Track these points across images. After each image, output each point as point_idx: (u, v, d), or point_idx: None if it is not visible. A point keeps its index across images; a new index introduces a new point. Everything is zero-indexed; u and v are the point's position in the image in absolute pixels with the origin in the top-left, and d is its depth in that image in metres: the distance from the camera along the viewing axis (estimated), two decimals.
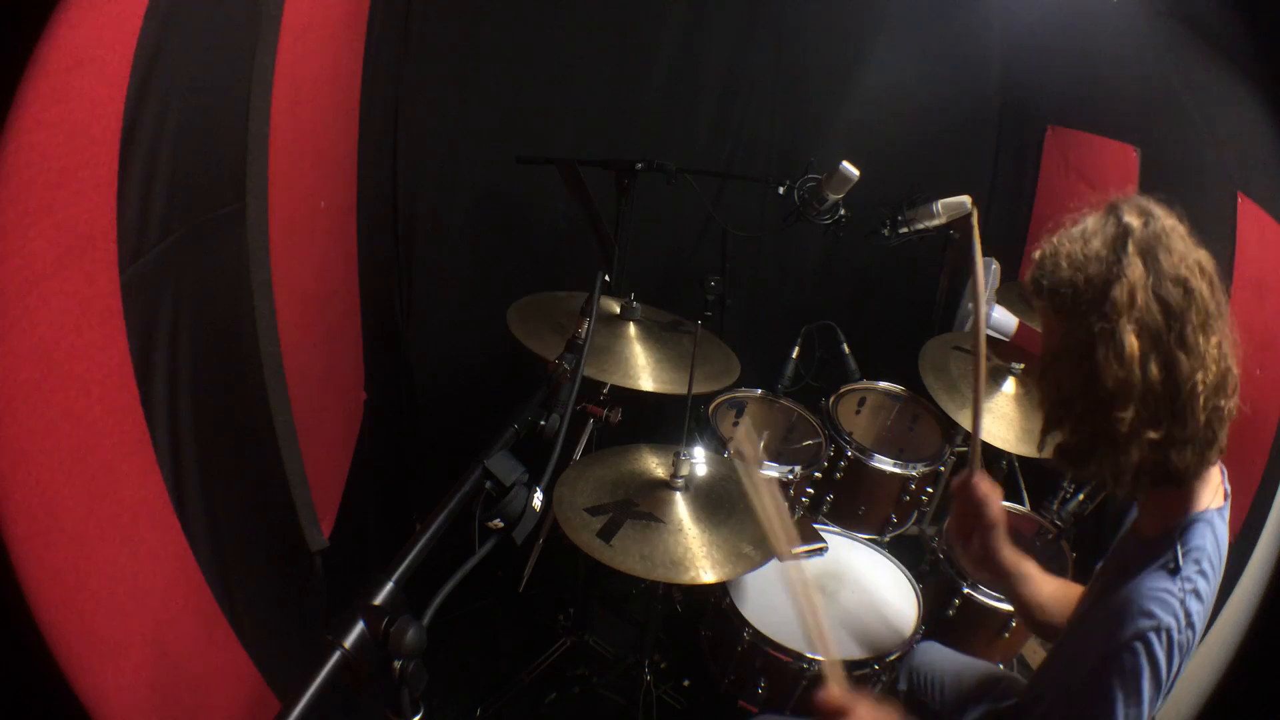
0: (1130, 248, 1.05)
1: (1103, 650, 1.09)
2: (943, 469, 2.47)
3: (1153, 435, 1.05)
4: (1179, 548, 1.11)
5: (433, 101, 2.68)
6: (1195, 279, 1.04)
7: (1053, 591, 1.49)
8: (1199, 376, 1.03)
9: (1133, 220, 1.07)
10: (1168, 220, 1.08)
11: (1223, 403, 1.07)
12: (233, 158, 1.42)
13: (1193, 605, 1.08)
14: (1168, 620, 1.06)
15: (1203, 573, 1.10)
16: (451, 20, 2.62)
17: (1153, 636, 1.05)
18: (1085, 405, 1.07)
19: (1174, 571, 1.09)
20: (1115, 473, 1.09)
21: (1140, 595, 1.09)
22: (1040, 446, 1.20)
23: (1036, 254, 1.14)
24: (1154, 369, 1.03)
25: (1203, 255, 1.07)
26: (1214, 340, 1.05)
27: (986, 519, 1.43)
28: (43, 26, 0.83)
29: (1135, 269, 1.03)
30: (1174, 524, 1.14)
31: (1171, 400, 1.04)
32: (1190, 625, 1.07)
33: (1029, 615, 1.48)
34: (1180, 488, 1.13)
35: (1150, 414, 1.05)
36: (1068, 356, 1.08)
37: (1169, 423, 1.05)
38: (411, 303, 2.86)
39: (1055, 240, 1.13)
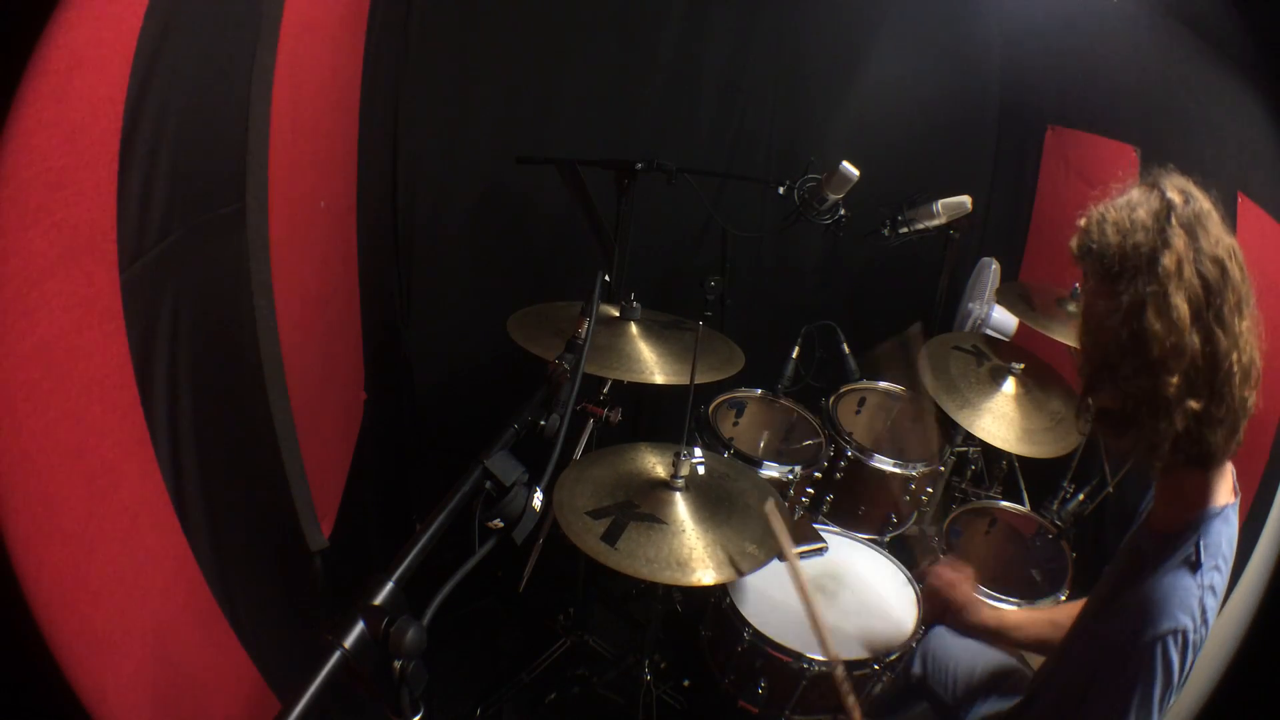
0: (1174, 221, 1.07)
1: (1119, 651, 1.10)
2: (943, 469, 2.46)
3: (1194, 405, 1.06)
4: (1200, 544, 1.11)
5: (433, 101, 2.68)
6: (1230, 261, 1.07)
7: (1048, 623, 1.62)
8: (1234, 356, 1.05)
9: (1175, 196, 1.10)
10: (1205, 203, 1.11)
11: (1247, 393, 1.08)
12: (233, 158, 1.42)
13: (1209, 602, 1.09)
14: (1185, 621, 1.07)
15: (1217, 568, 1.11)
16: (451, 20, 2.62)
17: (1170, 640, 1.06)
18: (1133, 368, 1.08)
19: (1194, 568, 1.10)
20: (1154, 441, 1.09)
21: (1159, 595, 1.09)
22: (1079, 411, 1.21)
23: (1082, 221, 1.16)
24: (1196, 339, 1.05)
25: (1231, 241, 1.10)
26: (1245, 324, 1.07)
27: (954, 603, 1.69)
28: (43, 26, 0.83)
29: (1180, 240, 1.06)
30: (1191, 518, 1.14)
31: (1211, 374, 1.06)
32: (1205, 623, 1.09)
33: (1038, 651, 1.58)
34: (1206, 472, 1.13)
35: (1193, 383, 1.06)
36: (1116, 319, 1.09)
37: (1208, 397, 1.06)
38: (411, 303, 2.86)
39: (1101, 208, 1.15)
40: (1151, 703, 1.07)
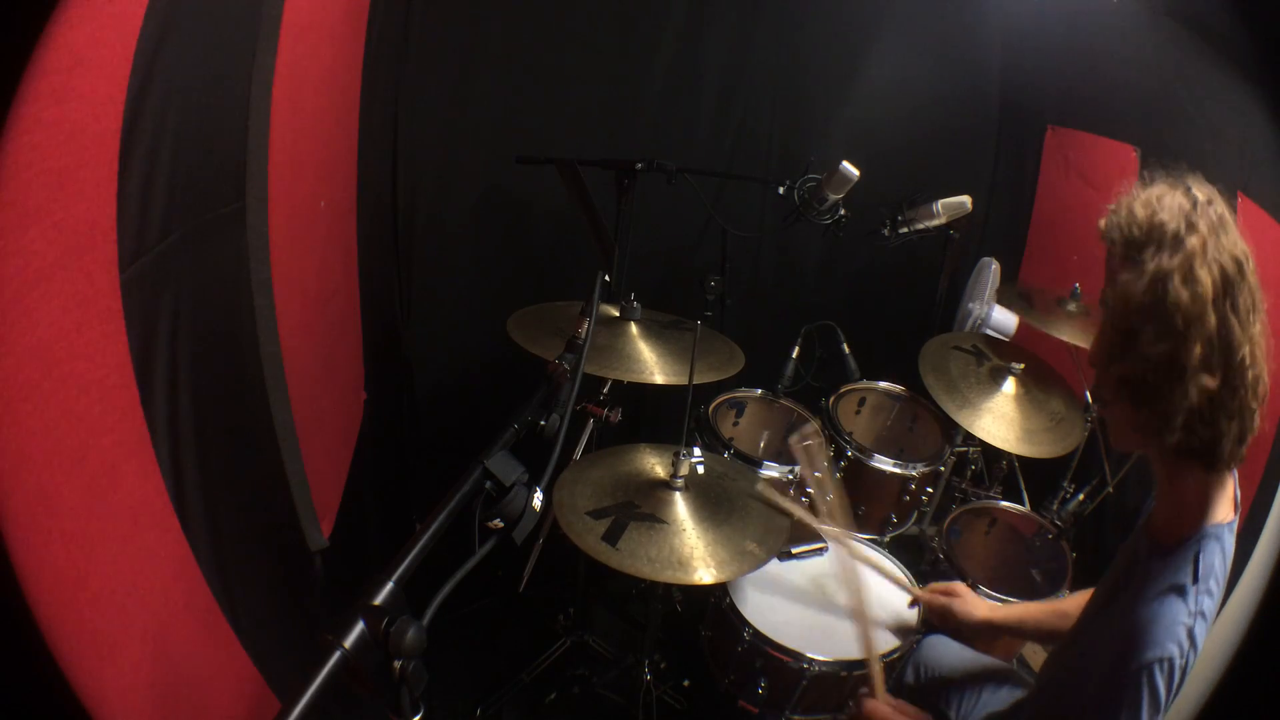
0: (1199, 212, 1.10)
1: (1108, 676, 1.12)
2: (942, 469, 2.46)
3: (1209, 382, 1.07)
4: (1195, 568, 1.12)
5: (433, 101, 2.68)
6: (1246, 263, 1.10)
7: (1052, 612, 1.63)
8: (1245, 350, 1.07)
9: (1200, 195, 1.13)
10: (1226, 211, 1.14)
11: (1254, 403, 1.10)
12: (233, 158, 1.42)
13: (1198, 629, 1.11)
14: (1170, 650, 1.08)
15: (1209, 592, 1.12)
16: (451, 20, 2.62)
17: (1157, 669, 1.08)
18: (1155, 333, 1.09)
19: (1183, 593, 1.11)
20: (1169, 412, 1.10)
21: (1148, 619, 1.11)
22: (1099, 381, 1.22)
23: (1111, 206, 1.18)
24: (1214, 318, 1.07)
25: (1247, 248, 1.12)
26: (1257, 329, 1.09)
27: (951, 615, 1.73)
28: (43, 26, 0.83)
29: (1205, 226, 1.09)
30: (1189, 534, 1.15)
31: (1226, 356, 1.07)
32: (1193, 647, 1.10)
33: (1043, 642, 1.59)
34: (1209, 474, 1.14)
35: (1209, 358, 1.07)
36: (1140, 285, 1.10)
37: (1222, 378, 1.08)
38: (411, 303, 2.86)
39: (1129, 196, 1.17)
40: None
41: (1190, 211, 1.11)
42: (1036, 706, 1.25)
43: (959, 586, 1.75)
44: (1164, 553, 1.16)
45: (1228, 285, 1.08)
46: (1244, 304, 1.08)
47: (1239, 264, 1.09)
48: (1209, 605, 1.12)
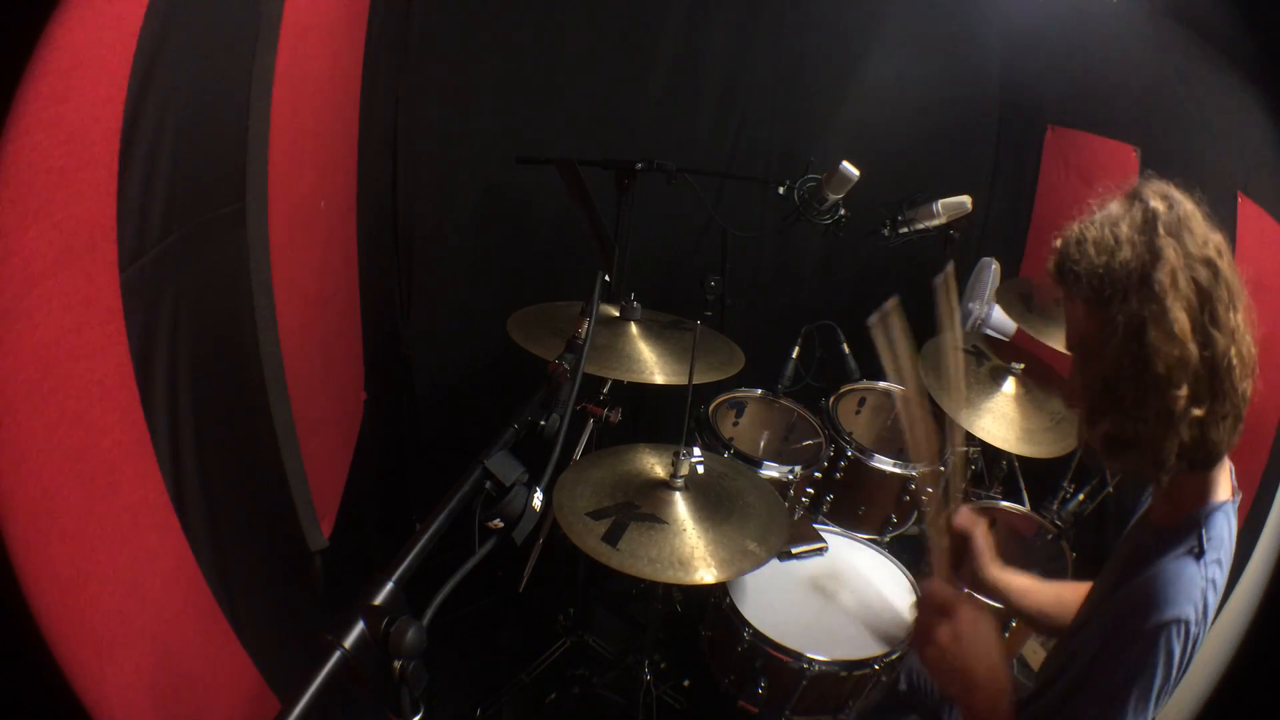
0: (1160, 231, 1.05)
1: (1120, 638, 1.09)
2: (943, 469, 2.46)
3: (1198, 413, 1.04)
4: (1204, 534, 1.10)
5: (433, 101, 2.68)
6: (1219, 258, 1.05)
7: (1054, 596, 1.55)
8: (1232, 352, 1.04)
9: (1158, 204, 1.07)
10: (1187, 205, 1.09)
11: (1245, 384, 1.07)
12: (233, 158, 1.42)
13: (1210, 596, 1.08)
14: (1188, 611, 1.05)
15: (1219, 562, 1.10)
16: (451, 20, 2.62)
17: (1173, 629, 1.04)
18: (1139, 389, 1.05)
19: (1198, 557, 1.08)
20: (1161, 456, 1.07)
21: (1163, 581, 1.08)
22: (1080, 440, 1.19)
23: (1058, 241, 1.12)
24: (1195, 347, 1.03)
25: (1218, 237, 1.08)
26: (1239, 317, 1.06)
27: (971, 550, 1.57)
28: (43, 26, 0.83)
29: (1171, 249, 1.04)
30: (1193, 511, 1.13)
31: (1213, 377, 1.04)
32: (1205, 617, 1.07)
33: (1034, 625, 1.53)
34: (1209, 470, 1.12)
35: (1197, 391, 1.04)
36: (1114, 343, 1.06)
37: (1209, 399, 1.05)
38: (411, 303, 2.86)
39: (1078, 227, 1.11)
40: (1150, 694, 1.05)
41: (1152, 235, 1.04)
42: (1039, 703, 1.23)
43: (982, 534, 1.61)
44: (1170, 532, 1.14)
45: (1204, 299, 1.03)
46: (1223, 307, 1.04)
47: (1213, 267, 1.04)
48: (1218, 576, 1.09)
